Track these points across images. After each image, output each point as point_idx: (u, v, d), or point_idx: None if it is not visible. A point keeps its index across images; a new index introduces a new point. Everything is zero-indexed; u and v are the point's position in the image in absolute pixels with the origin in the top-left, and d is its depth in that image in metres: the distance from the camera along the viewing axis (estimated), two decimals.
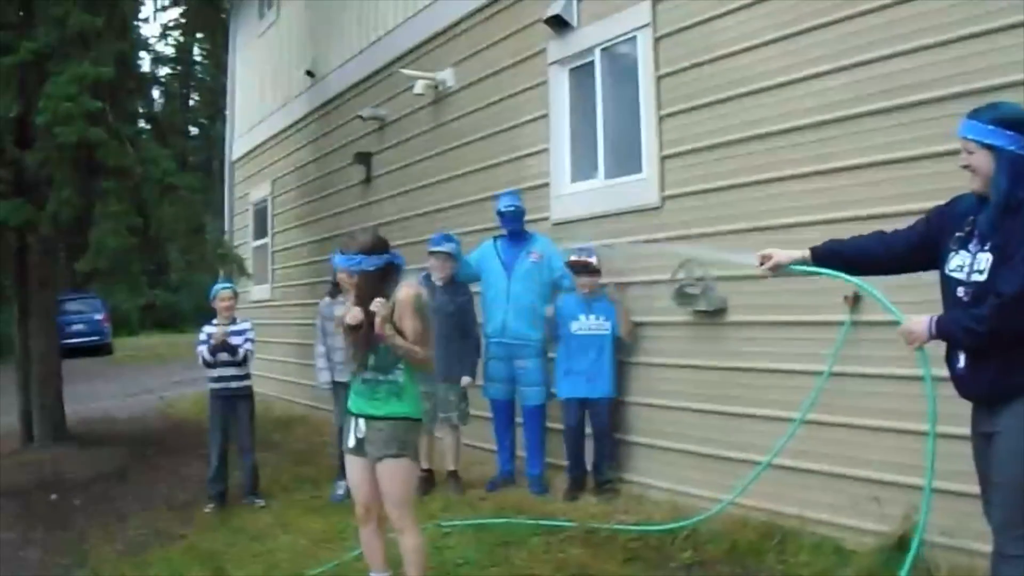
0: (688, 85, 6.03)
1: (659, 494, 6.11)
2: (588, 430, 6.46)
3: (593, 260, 6.36)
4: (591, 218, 6.82)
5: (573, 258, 6.42)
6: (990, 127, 3.14)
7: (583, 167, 7.10)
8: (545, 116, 7.33)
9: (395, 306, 4.12)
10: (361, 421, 4.21)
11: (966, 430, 4.21)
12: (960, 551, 4.38)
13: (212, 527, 6.34)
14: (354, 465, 4.29)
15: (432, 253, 6.82)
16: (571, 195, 7.12)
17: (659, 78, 6.24)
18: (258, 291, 13.28)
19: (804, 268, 3.71)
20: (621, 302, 6.39)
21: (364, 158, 10.08)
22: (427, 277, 6.89)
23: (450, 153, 8.58)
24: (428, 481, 6.84)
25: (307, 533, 5.98)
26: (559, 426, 6.62)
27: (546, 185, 7.28)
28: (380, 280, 4.16)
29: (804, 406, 4.95)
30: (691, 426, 5.96)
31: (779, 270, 3.76)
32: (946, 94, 4.55)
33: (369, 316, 4.08)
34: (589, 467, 6.48)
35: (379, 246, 4.21)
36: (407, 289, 4.22)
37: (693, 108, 5.99)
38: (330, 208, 11.19)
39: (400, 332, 4.09)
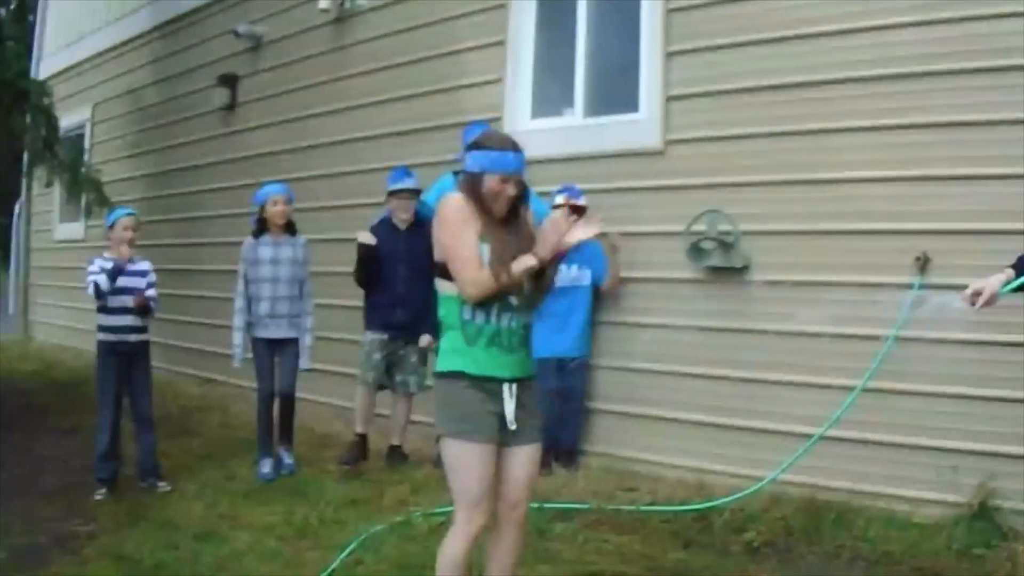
0: (706, 24, 5.49)
1: (657, 469, 5.55)
2: None
3: (581, 201, 5.70)
4: (562, 159, 6.10)
5: (560, 200, 5.71)
6: None
7: (549, 103, 6.39)
8: (500, 44, 6.51)
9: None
10: (513, 389, 3.16)
11: None
12: None
13: (126, 522, 5.03)
14: (490, 457, 3.15)
15: (394, 192, 5.92)
16: (532, 132, 6.30)
17: (669, 12, 5.64)
18: (67, 230, 11.47)
19: (1021, 281, 3.29)
20: (615, 253, 5.78)
21: (229, 81, 8.78)
22: (385, 220, 5.98)
23: (355, 80, 7.57)
24: (361, 448, 5.96)
25: (262, 528, 4.89)
26: None
27: (498, 119, 6.47)
28: None
29: (867, 373, 4.61)
30: (696, 394, 5.46)
31: (994, 299, 3.31)
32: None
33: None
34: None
35: None
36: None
37: (710, 48, 5.47)
38: (176, 137, 9.75)
39: None
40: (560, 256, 3.16)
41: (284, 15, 8.22)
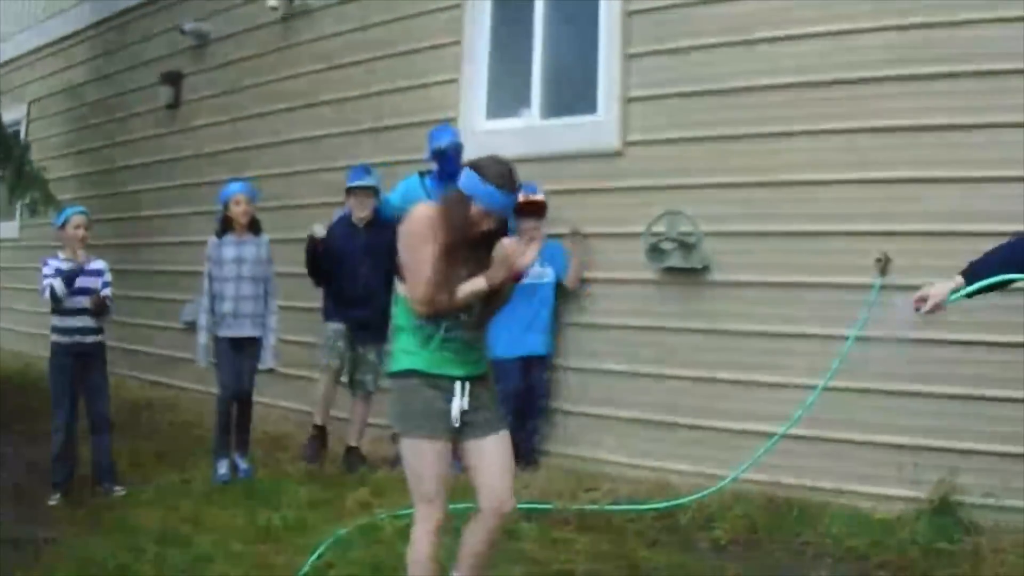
0: (665, 26, 5.54)
1: (618, 468, 5.57)
2: None
3: (540, 196, 5.70)
4: (519, 160, 6.01)
5: (520, 198, 5.69)
6: None
7: (506, 103, 6.37)
8: (455, 43, 6.49)
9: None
10: (465, 387, 3.19)
11: (1009, 393, 4.29)
12: (1003, 510, 4.39)
13: (85, 527, 4.89)
14: (446, 453, 3.21)
15: (352, 190, 5.89)
16: (488, 133, 6.31)
17: (628, 14, 5.67)
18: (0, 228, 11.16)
19: (970, 289, 3.36)
20: (575, 251, 5.80)
21: (173, 79, 8.61)
22: (344, 219, 5.92)
23: (305, 79, 7.48)
24: (321, 442, 5.96)
25: (226, 532, 4.80)
26: None
27: (453, 119, 6.44)
28: None
29: (828, 373, 4.66)
30: (656, 394, 5.50)
31: (943, 306, 3.39)
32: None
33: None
34: None
35: None
36: None
37: (669, 51, 5.53)
38: (117, 135, 9.56)
39: None
40: (516, 279, 3.18)
41: (231, 12, 8.10)
